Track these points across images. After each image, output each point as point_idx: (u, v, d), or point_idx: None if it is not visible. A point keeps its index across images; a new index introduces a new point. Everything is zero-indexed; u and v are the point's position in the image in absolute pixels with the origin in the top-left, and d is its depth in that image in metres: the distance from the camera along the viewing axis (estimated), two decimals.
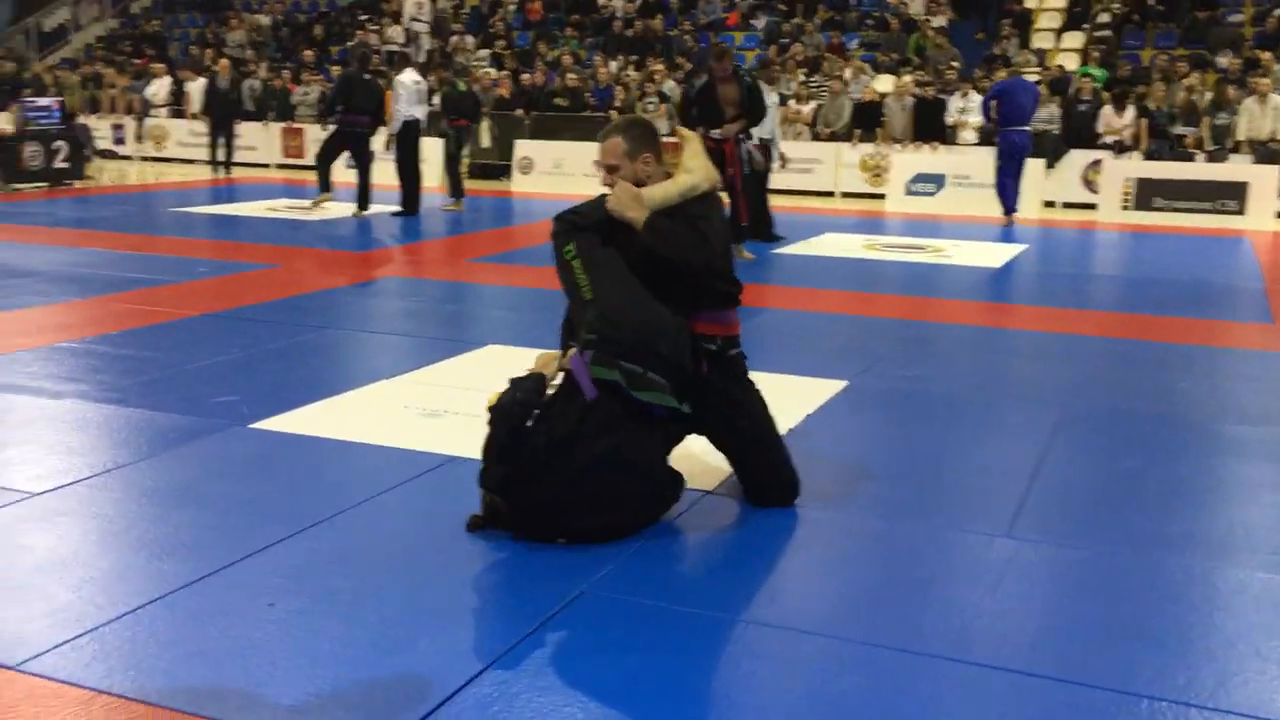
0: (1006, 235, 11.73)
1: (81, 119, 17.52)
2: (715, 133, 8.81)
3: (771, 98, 10.67)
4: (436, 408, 4.91)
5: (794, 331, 6.80)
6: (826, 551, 3.55)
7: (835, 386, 5.37)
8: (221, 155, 16.66)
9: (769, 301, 7.53)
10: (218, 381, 5.29)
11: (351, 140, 11.96)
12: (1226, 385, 5.78)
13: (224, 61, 17.40)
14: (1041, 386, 5.62)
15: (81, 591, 3.09)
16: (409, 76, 12.47)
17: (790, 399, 4.99)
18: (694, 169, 3.77)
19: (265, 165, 18.09)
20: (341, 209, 12.16)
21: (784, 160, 11.36)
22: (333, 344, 6.25)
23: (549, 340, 4.12)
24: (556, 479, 3.39)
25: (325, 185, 12.38)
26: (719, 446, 3.92)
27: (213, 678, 2.65)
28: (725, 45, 9.52)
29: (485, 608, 3.13)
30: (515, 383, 3.58)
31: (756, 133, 10.09)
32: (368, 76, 12.24)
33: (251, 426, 4.58)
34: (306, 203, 12.58)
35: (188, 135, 18.57)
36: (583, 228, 3.70)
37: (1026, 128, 12.36)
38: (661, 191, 3.68)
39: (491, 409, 3.53)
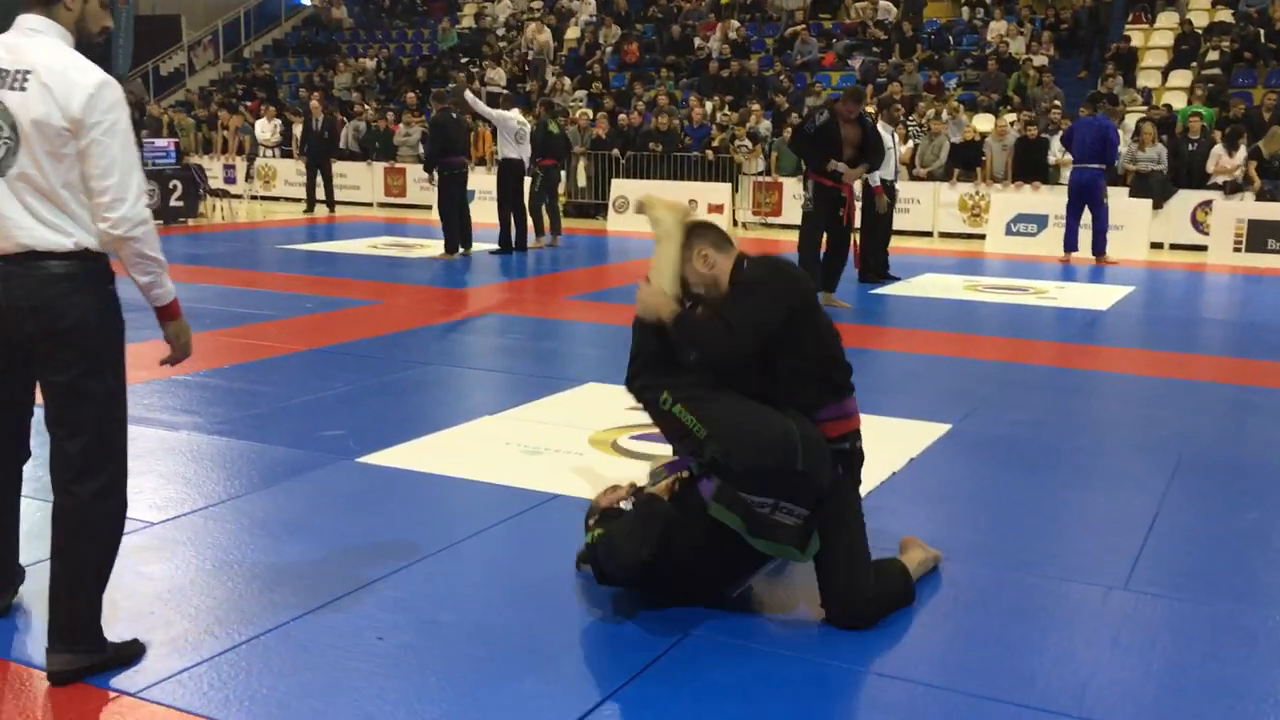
0: (1067, 273, 11.52)
1: (195, 159, 18.18)
2: (839, 166, 8.78)
3: (892, 137, 10.65)
4: (538, 445, 4.95)
5: (895, 373, 6.72)
6: (938, 601, 3.47)
7: (939, 430, 5.28)
8: (320, 194, 17.06)
9: (870, 343, 7.45)
10: (324, 415, 5.40)
11: (453, 181, 12.18)
12: None
13: (314, 102, 17.75)
14: (1154, 434, 5.45)
15: (198, 620, 3.16)
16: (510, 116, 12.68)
17: (893, 442, 4.92)
18: (660, 236, 3.42)
19: (368, 204, 18.53)
20: (476, 247, 12.34)
21: (894, 199, 11.27)
22: (434, 380, 6.34)
23: None
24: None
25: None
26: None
27: (324, 709, 2.68)
28: (860, 88, 9.50)
29: (592, 647, 3.12)
30: (638, 527, 3.22)
31: (881, 173, 10.07)
32: (455, 116, 12.47)
33: (358, 461, 4.67)
34: (433, 251, 12.34)
35: (294, 175, 19.11)
36: (647, 364, 3.37)
37: (1091, 165, 12.11)
38: (658, 275, 3.38)
39: (594, 543, 3.31)
